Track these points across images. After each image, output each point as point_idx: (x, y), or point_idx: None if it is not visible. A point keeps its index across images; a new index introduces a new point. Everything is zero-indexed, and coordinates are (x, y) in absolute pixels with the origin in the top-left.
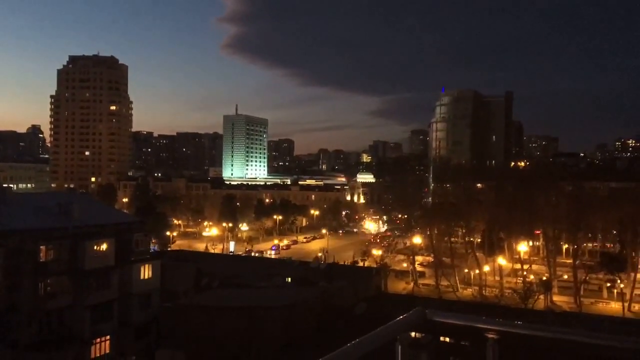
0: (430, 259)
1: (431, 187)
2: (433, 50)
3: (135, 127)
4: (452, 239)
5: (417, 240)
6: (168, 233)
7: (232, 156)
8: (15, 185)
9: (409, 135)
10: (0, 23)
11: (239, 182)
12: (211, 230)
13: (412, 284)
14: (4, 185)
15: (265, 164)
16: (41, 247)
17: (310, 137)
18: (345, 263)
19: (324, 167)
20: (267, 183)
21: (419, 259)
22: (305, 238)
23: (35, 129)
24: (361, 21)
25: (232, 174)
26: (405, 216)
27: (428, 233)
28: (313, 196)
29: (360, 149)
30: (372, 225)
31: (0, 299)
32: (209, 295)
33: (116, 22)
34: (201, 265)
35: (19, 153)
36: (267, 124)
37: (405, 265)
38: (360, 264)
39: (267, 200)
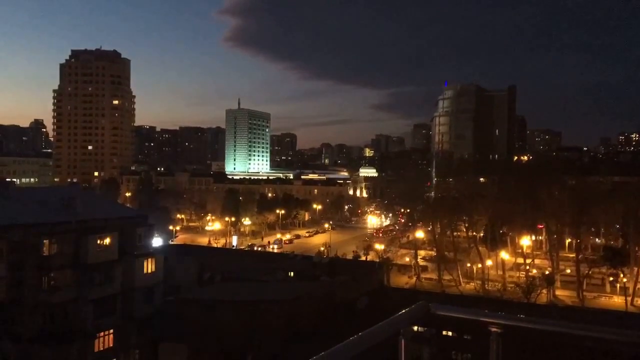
0: (433, 253)
1: (434, 181)
2: (436, 43)
3: (137, 122)
4: (455, 233)
5: (420, 234)
6: (171, 227)
7: (235, 150)
8: (18, 180)
9: (411, 130)
10: (3, 18)
11: (242, 177)
12: (214, 225)
13: (414, 278)
14: (7, 179)
15: (268, 159)
16: (44, 241)
17: (312, 131)
18: (346, 255)
19: (327, 161)
20: (270, 177)
21: (421, 253)
22: (307, 232)
23: (37, 124)
24: (363, 14)
25: (234, 169)
26: (408, 210)
27: (431, 227)
28: (315, 190)
29: (362, 143)
30: (374, 220)
31: (4, 292)
32: (211, 289)
33: (118, 16)
34: (204, 260)
35: (22, 147)
36: (270, 118)
37: (407, 259)
38: (363, 258)
39: (269, 195)
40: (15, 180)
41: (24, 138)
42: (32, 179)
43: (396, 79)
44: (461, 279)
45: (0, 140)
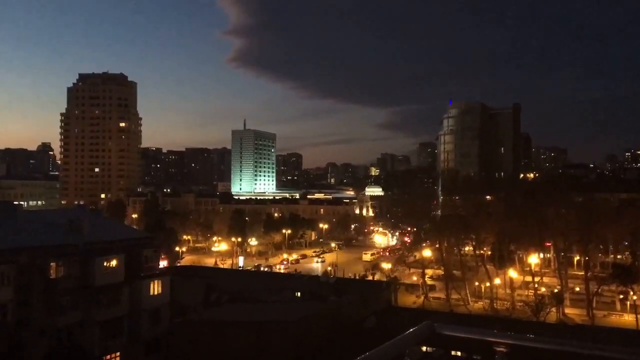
0: (441, 272)
1: (440, 200)
2: (440, 61)
3: (144, 144)
4: (462, 252)
5: (427, 253)
6: (177, 248)
7: (241, 171)
8: (25, 203)
9: (417, 148)
10: (12, 42)
11: (248, 197)
12: (220, 245)
13: (422, 297)
14: (15, 202)
15: (274, 179)
16: (51, 263)
17: (318, 150)
18: (354, 276)
19: (333, 180)
20: (276, 197)
21: (429, 272)
22: (314, 252)
23: (45, 147)
24: (368, 33)
25: (240, 189)
26: (415, 229)
27: (438, 246)
28: (322, 210)
29: (368, 162)
30: (381, 239)
31: (12, 315)
32: (218, 310)
33: (124, 39)
34: (210, 281)
35: (30, 170)
36: (275, 138)
37: (415, 278)
38: (370, 277)
39: (275, 215)
40: (22, 203)
41: (31, 161)
42: (39, 202)
43: (401, 98)
44: (469, 298)
45: (8, 164)
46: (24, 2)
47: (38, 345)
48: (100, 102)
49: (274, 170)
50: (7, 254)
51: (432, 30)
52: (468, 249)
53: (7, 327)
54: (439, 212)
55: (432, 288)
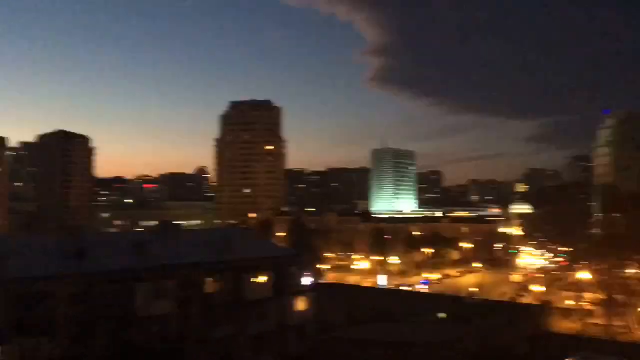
0: (599, 296)
1: (597, 217)
2: (589, 69)
3: (288, 165)
4: (626, 274)
5: (584, 275)
6: (320, 266)
7: (380, 190)
8: (185, 222)
9: (567, 162)
10: (168, 78)
11: (388, 216)
12: (361, 264)
13: (578, 323)
14: (176, 222)
15: (414, 197)
16: (207, 278)
17: (459, 167)
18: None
19: (475, 198)
20: (416, 216)
21: (586, 296)
22: (457, 272)
23: (201, 170)
24: (508, 44)
25: (380, 208)
26: (572, 249)
27: (596, 268)
28: (464, 229)
29: (513, 178)
30: (530, 259)
31: (173, 326)
32: (361, 328)
33: (267, 64)
34: (353, 299)
35: (188, 192)
36: (414, 156)
37: (570, 302)
38: (519, 300)
39: (416, 234)
40: (182, 223)
41: (188, 184)
42: (196, 222)
43: (546, 109)
44: (635, 325)
45: (173, 188)
46: (182, 44)
47: (198, 356)
48: (249, 128)
49: (413, 189)
50: (169, 270)
51: (577, 38)
52: (634, 271)
53: (170, 337)
54: (595, 231)
55: (589, 313)
